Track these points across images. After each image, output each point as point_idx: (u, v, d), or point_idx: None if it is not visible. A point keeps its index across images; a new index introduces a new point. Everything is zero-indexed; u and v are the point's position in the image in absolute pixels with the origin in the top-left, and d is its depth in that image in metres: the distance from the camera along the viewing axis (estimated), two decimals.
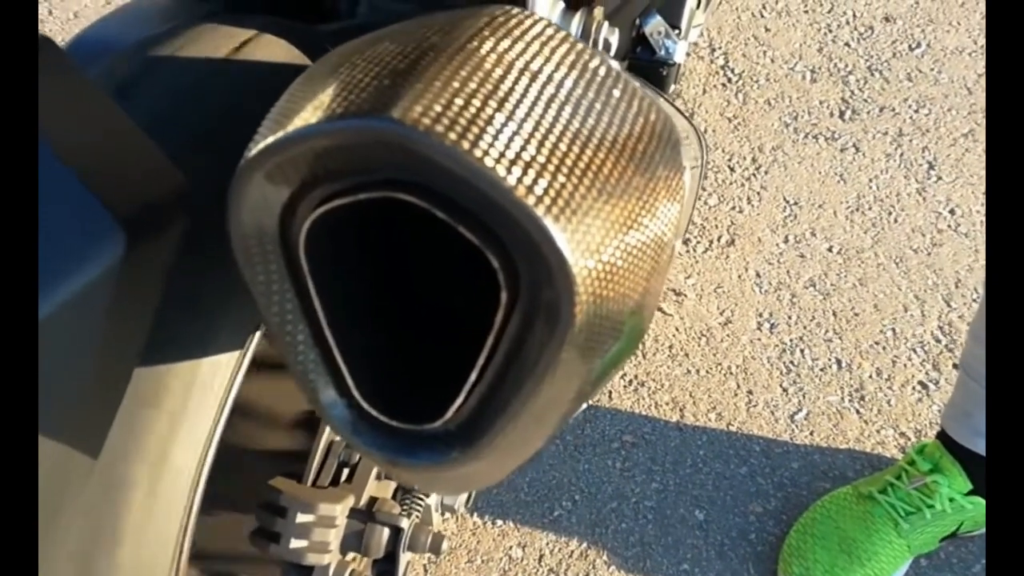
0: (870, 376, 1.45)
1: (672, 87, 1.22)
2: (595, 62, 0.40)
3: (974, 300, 1.53)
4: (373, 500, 0.84)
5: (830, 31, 1.93)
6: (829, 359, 1.47)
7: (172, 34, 0.72)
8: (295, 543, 0.77)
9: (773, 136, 1.75)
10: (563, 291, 0.34)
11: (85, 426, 0.46)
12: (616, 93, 0.39)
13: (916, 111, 1.78)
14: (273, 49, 0.72)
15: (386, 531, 0.81)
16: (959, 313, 1.51)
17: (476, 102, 0.34)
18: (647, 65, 1.16)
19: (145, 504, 0.60)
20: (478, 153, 0.32)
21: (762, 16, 1.96)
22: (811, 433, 1.40)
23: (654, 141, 0.40)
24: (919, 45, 1.90)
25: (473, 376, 0.39)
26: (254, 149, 0.36)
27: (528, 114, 0.35)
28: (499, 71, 0.35)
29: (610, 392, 1.44)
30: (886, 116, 1.78)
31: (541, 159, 0.34)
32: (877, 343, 1.49)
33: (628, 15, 1.08)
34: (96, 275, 0.42)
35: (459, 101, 0.33)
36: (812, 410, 1.42)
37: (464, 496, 0.96)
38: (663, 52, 1.16)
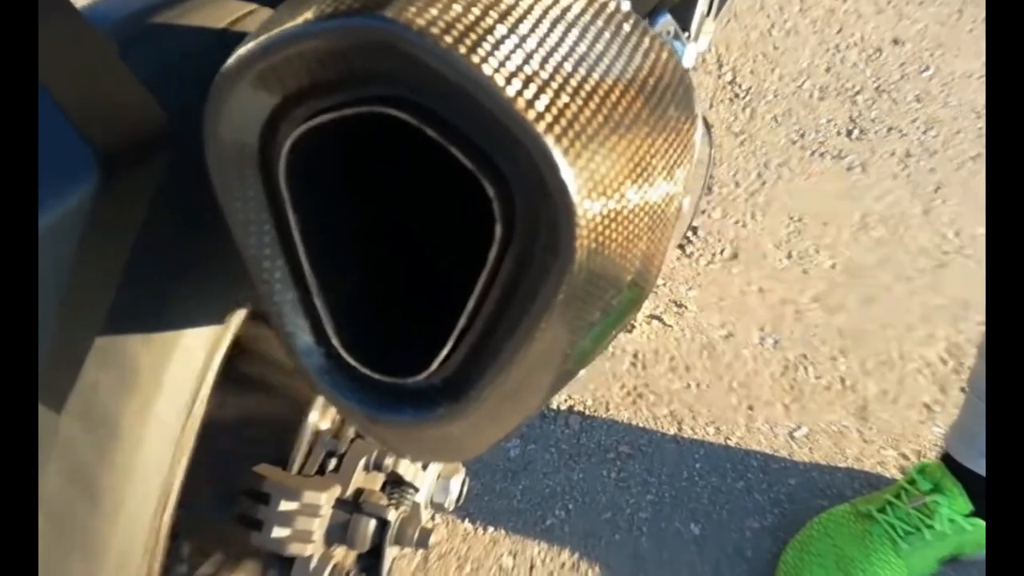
0: (875, 396, 1.42)
1: None
2: None
3: (981, 322, 1.50)
4: (360, 492, 0.81)
5: (838, 51, 1.92)
6: (833, 377, 1.44)
7: (171, 5, 0.71)
8: (277, 532, 0.74)
9: (779, 152, 1.74)
10: (563, 220, 0.32)
11: (47, 373, 0.43)
12: (626, 27, 0.37)
13: (924, 132, 1.77)
14: None
15: (372, 523, 0.78)
16: (966, 335, 1.48)
17: (476, 10, 0.31)
18: None
19: (120, 480, 0.58)
20: (475, 59, 0.30)
21: (771, 34, 1.95)
22: (811, 451, 1.37)
23: (665, 79, 0.38)
24: (928, 68, 1.89)
25: (462, 322, 0.36)
26: (238, 54, 0.33)
27: (532, 30, 0.33)
28: None
29: (607, 402, 1.41)
30: (893, 137, 1.76)
31: (544, 75, 0.32)
32: (882, 363, 1.46)
33: (637, 12, 1.07)
34: (67, 208, 0.39)
35: (457, 7, 0.31)
36: (813, 428, 1.39)
37: (454, 495, 0.93)
38: None
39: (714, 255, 1.59)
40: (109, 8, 0.71)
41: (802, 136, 1.76)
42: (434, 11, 0.31)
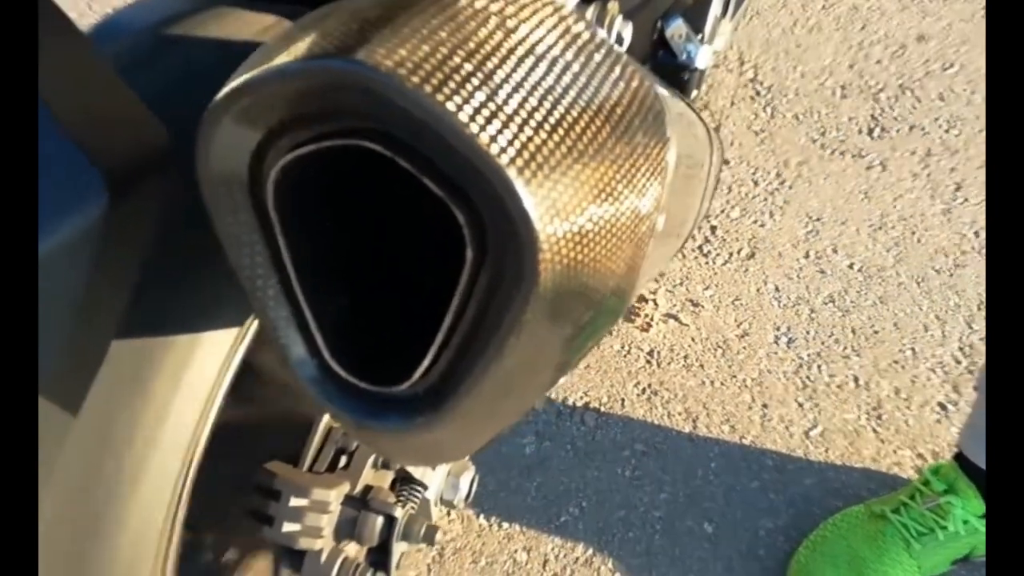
0: (888, 395, 1.43)
1: (694, 92, 1.22)
2: (579, 27, 0.39)
3: None
4: (369, 489, 0.84)
5: (862, 48, 1.91)
6: (846, 376, 1.45)
7: (193, 17, 0.73)
8: (287, 527, 0.77)
9: (799, 151, 1.74)
10: (527, 247, 0.34)
11: (63, 381, 0.46)
12: (597, 57, 0.39)
13: (946, 131, 1.76)
14: None
15: (379, 519, 0.81)
16: (980, 335, 1.48)
17: (444, 50, 0.33)
18: (669, 69, 1.16)
19: (133, 481, 0.60)
20: (440, 98, 0.32)
21: (793, 31, 1.95)
22: (826, 450, 1.38)
23: (634, 108, 0.39)
24: (952, 65, 1.88)
25: (439, 338, 0.38)
26: (221, 92, 0.36)
27: (498, 67, 0.34)
28: (472, 24, 0.35)
29: (622, 400, 1.43)
30: (915, 135, 1.76)
31: (508, 110, 0.34)
32: (896, 362, 1.46)
33: (649, 15, 1.08)
34: (79, 229, 0.42)
35: (426, 47, 0.33)
36: (828, 427, 1.40)
37: (464, 491, 0.96)
38: (685, 56, 1.15)
39: (731, 254, 1.60)
40: (125, 20, 0.73)
41: (823, 134, 1.77)
42: (403, 52, 0.33)
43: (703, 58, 1.17)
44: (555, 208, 0.34)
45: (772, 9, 1.99)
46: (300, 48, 0.34)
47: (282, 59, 0.34)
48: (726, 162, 1.73)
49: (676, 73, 1.16)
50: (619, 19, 0.79)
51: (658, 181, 0.41)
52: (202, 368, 0.61)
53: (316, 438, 0.81)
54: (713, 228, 1.63)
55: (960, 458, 1.22)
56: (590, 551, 1.29)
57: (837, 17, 1.97)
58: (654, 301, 1.53)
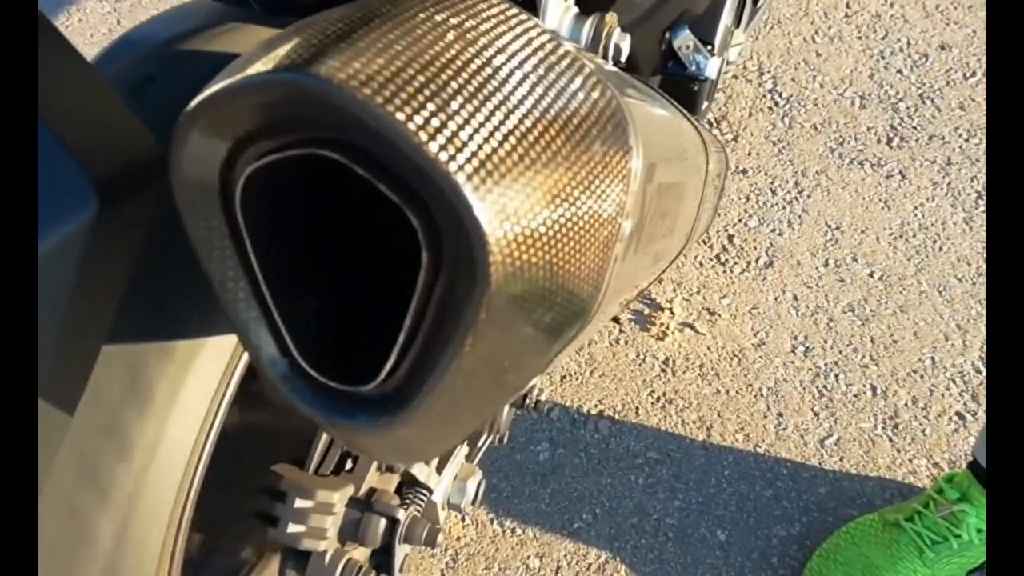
0: (905, 404, 1.42)
1: (704, 103, 1.22)
2: (542, 39, 0.41)
3: None
4: (373, 491, 0.85)
5: (883, 58, 1.91)
6: (864, 385, 1.45)
7: (202, 33, 0.75)
8: (292, 528, 0.79)
9: (818, 160, 1.74)
10: (477, 250, 0.35)
11: (51, 387, 0.47)
12: (558, 69, 0.40)
13: (967, 140, 1.75)
14: None
15: (382, 521, 0.83)
16: None
17: (398, 62, 0.35)
18: (678, 80, 1.17)
19: (137, 484, 0.61)
20: (391, 108, 0.34)
21: (814, 41, 1.95)
22: (841, 459, 1.38)
23: (592, 117, 0.41)
24: (974, 74, 1.87)
25: (401, 338, 0.40)
26: (189, 105, 0.38)
27: (453, 77, 0.36)
28: (430, 37, 0.37)
29: (637, 408, 1.43)
30: (935, 144, 1.75)
31: (460, 119, 0.35)
32: (915, 371, 1.46)
33: (654, 27, 1.09)
34: (67, 235, 0.44)
35: (381, 60, 0.35)
36: (843, 436, 1.40)
37: (471, 495, 0.97)
38: (694, 67, 1.16)
39: (749, 263, 1.60)
40: (140, 36, 0.76)
41: (841, 144, 1.76)
42: (358, 64, 0.34)
43: (712, 69, 1.18)
44: (505, 213, 0.36)
45: (794, 19, 1.99)
46: (265, 62, 0.36)
47: (245, 73, 0.36)
48: (743, 171, 1.73)
49: (686, 84, 1.17)
50: (616, 31, 0.80)
51: (619, 188, 0.42)
52: (205, 373, 0.63)
53: (322, 441, 0.83)
54: (731, 237, 1.64)
55: (974, 466, 1.21)
56: (603, 558, 1.30)
57: (859, 26, 1.97)
58: (670, 310, 1.54)
